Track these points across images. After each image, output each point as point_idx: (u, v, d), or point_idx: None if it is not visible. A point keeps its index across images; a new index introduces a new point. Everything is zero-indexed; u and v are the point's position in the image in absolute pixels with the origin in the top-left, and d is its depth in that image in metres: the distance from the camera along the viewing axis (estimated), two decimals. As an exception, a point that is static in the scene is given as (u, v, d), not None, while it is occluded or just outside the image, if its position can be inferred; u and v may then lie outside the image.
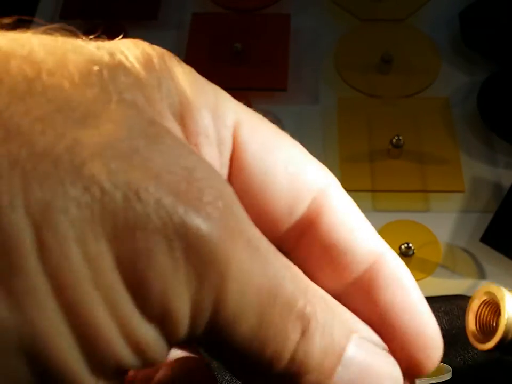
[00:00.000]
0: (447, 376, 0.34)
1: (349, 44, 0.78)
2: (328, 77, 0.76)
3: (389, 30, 0.78)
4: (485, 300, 0.27)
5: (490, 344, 0.26)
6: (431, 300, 0.59)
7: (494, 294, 0.26)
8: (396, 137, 0.66)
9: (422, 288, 0.72)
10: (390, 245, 0.76)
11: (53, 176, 0.14)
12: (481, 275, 0.64)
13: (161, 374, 0.23)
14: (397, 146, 0.67)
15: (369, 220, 0.81)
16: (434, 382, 0.33)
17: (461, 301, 0.57)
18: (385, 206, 0.67)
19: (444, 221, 0.66)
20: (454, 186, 0.67)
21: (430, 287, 0.63)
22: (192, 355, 0.24)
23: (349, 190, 0.78)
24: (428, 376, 0.34)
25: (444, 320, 0.51)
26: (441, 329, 0.49)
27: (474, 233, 0.64)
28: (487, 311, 0.27)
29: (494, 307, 0.26)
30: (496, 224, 0.62)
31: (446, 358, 0.39)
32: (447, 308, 0.54)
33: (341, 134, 0.71)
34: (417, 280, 0.71)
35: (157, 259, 0.15)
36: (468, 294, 0.61)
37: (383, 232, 0.66)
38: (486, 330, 0.27)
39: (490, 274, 0.63)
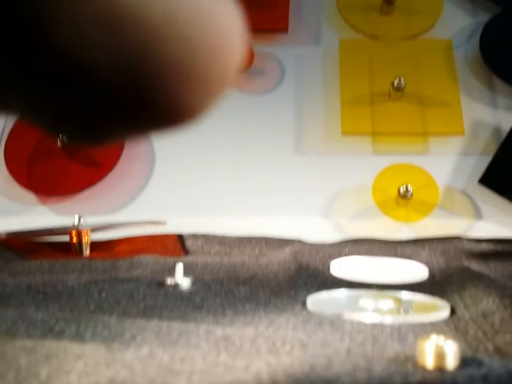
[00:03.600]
0: (445, 314, 0.36)
1: (351, -17, 0.76)
2: (330, 18, 0.75)
3: (392, -32, 0.77)
4: None
5: None
6: (428, 240, 0.60)
7: None
8: (397, 80, 0.66)
9: (419, 229, 0.74)
10: (389, 187, 0.77)
11: None
12: (478, 216, 0.65)
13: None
14: (398, 88, 0.66)
15: (369, 163, 0.82)
16: (431, 319, 0.35)
17: (458, 241, 0.58)
18: (385, 149, 0.68)
19: (443, 164, 0.66)
20: (454, 129, 0.67)
21: (428, 228, 0.64)
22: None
23: (349, 133, 0.79)
24: (424, 312, 0.36)
25: (440, 260, 0.52)
26: (438, 268, 0.50)
27: (473, 175, 0.65)
28: None
29: None
30: (494, 166, 0.62)
31: (443, 296, 0.40)
32: (444, 248, 0.55)
33: (342, 76, 0.70)
34: (414, 221, 0.73)
35: None
36: (465, 235, 0.63)
37: (383, 175, 0.66)
38: None
39: (487, 215, 0.64)
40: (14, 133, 0.71)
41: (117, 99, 0.15)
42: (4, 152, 0.71)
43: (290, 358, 0.27)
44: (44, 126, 0.16)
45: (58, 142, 0.67)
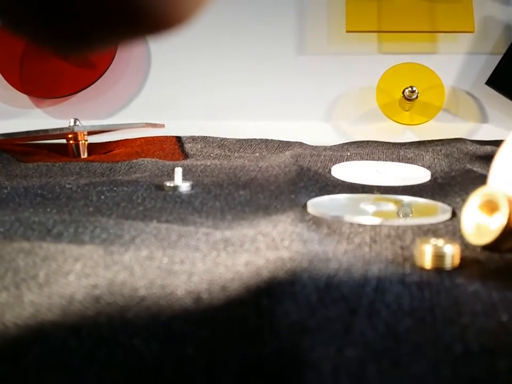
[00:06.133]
0: (445, 216, 0.35)
1: None
2: None
3: None
4: (485, 200, 0.27)
5: (485, 241, 0.26)
6: (431, 143, 0.59)
7: (494, 196, 0.26)
8: (406, -27, 0.63)
9: (424, 132, 0.73)
10: (394, 89, 0.76)
11: None
12: (484, 119, 0.63)
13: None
14: (407, -17, 0.63)
15: (374, 63, 0.80)
16: (432, 222, 0.34)
17: (461, 144, 0.57)
18: (391, 48, 0.65)
19: (450, 63, 0.64)
20: (464, 25, 0.64)
21: (432, 130, 0.63)
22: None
23: (354, 30, 0.76)
24: (425, 215, 0.36)
25: (443, 162, 0.52)
26: (441, 171, 0.50)
27: (481, 76, 0.63)
28: (485, 212, 0.27)
29: (493, 208, 0.26)
30: (504, 66, 0.60)
31: (445, 198, 0.40)
32: (448, 151, 0.54)
33: (347, -31, 0.67)
34: (419, 124, 0.72)
35: None
36: (469, 138, 0.62)
37: (388, 75, 0.64)
38: (482, 230, 0.27)
39: (493, 119, 0.63)
40: (2, 33, 0.69)
41: (98, 5, 0.13)
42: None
43: (290, 252, 0.27)
44: (27, 37, 0.15)
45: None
